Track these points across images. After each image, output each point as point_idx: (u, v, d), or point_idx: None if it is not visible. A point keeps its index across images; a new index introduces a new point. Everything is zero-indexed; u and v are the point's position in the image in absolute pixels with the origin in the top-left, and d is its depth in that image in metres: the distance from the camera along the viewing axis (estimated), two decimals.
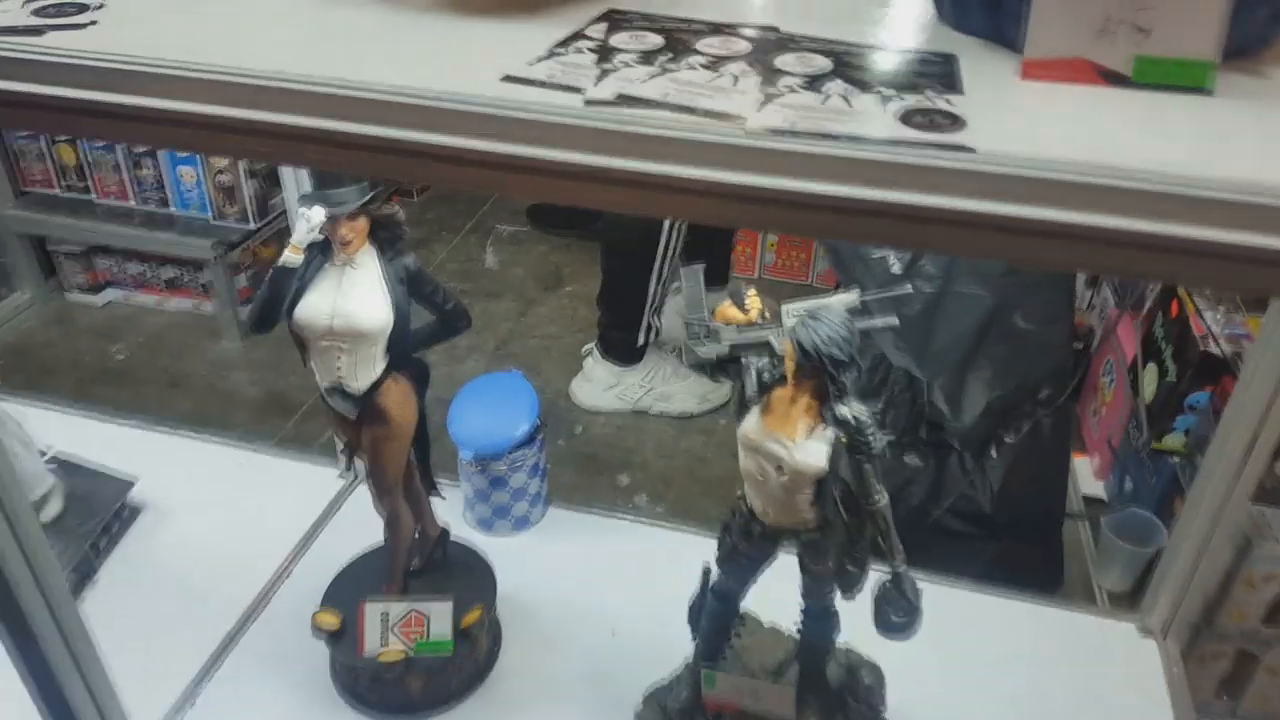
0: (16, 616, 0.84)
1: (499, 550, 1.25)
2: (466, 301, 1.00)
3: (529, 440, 1.33)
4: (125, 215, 2.34)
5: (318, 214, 0.85)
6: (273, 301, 0.89)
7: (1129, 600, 1.63)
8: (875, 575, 0.89)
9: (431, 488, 1.11)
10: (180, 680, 1.16)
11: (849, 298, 0.80)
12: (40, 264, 2.51)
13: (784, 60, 0.54)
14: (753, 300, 0.84)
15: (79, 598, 1.25)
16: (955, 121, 0.46)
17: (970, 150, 0.43)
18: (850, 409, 0.79)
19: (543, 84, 0.51)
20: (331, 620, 1.09)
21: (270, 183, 2.33)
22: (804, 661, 1.01)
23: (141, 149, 2.23)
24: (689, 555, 1.35)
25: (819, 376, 0.77)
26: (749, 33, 0.57)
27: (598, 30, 0.58)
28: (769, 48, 0.55)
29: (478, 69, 0.51)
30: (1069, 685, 1.18)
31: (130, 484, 1.39)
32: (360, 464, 1.40)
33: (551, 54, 0.54)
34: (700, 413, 2.08)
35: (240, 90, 0.51)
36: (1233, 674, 1.47)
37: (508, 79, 0.51)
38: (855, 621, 0.95)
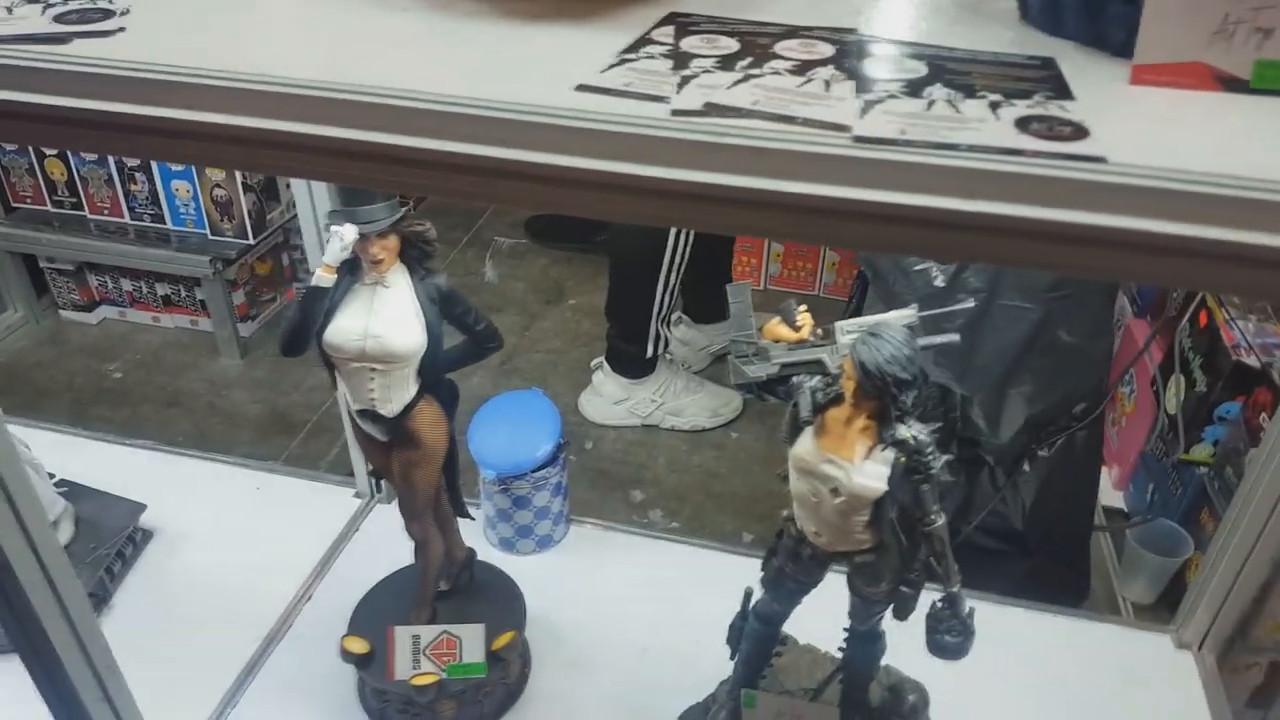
0: (44, 647, 0.80)
1: (523, 570, 1.22)
2: None
3: (552, 459, 1.29)
4: (118, 231, 2.30)
5: (350, 232, 0.81)
6: (304, 324, 0.86)
7: (1152, 612, 1.61)
8: (925, 594, 0.86)
9: (461, 510, 1.08)
10: (205, 707, 1.13)
11: (907, 314, 0.77)
12: (32, 282, 2.46)
13: (873, 64, 0.51)
14: (804, 317, 0.81)
15: None
16: (1077, 129, 0.43)
17: (1102, 160, 0.40)
18: (910, 430, 0.76)
19: (621, 93, 0.48)
20: (361, 645, 1.06)
21: (268, 197, 2.30)
22: (848, 683, 0.99)
23: (135, 163, 2.19)
24: (715, 572, 1.34)
25: (880, 397, 0.74)
26: (828, 36, 0.55)
27: (665, 34, 0.55)
28: (853, 51, 0.53)
29: (545, 78, 0.48)
30: (1106, 698, 1.16)
31: (142, 507, 1.35)
32: (388, 487, 1.39)
33: (622, 60, 0.51)
34: (712, 427, 2.06)
35: (302, 103, 0.48)
36: (1264, 684, 1.45)
37: (582, 88, 0.48)
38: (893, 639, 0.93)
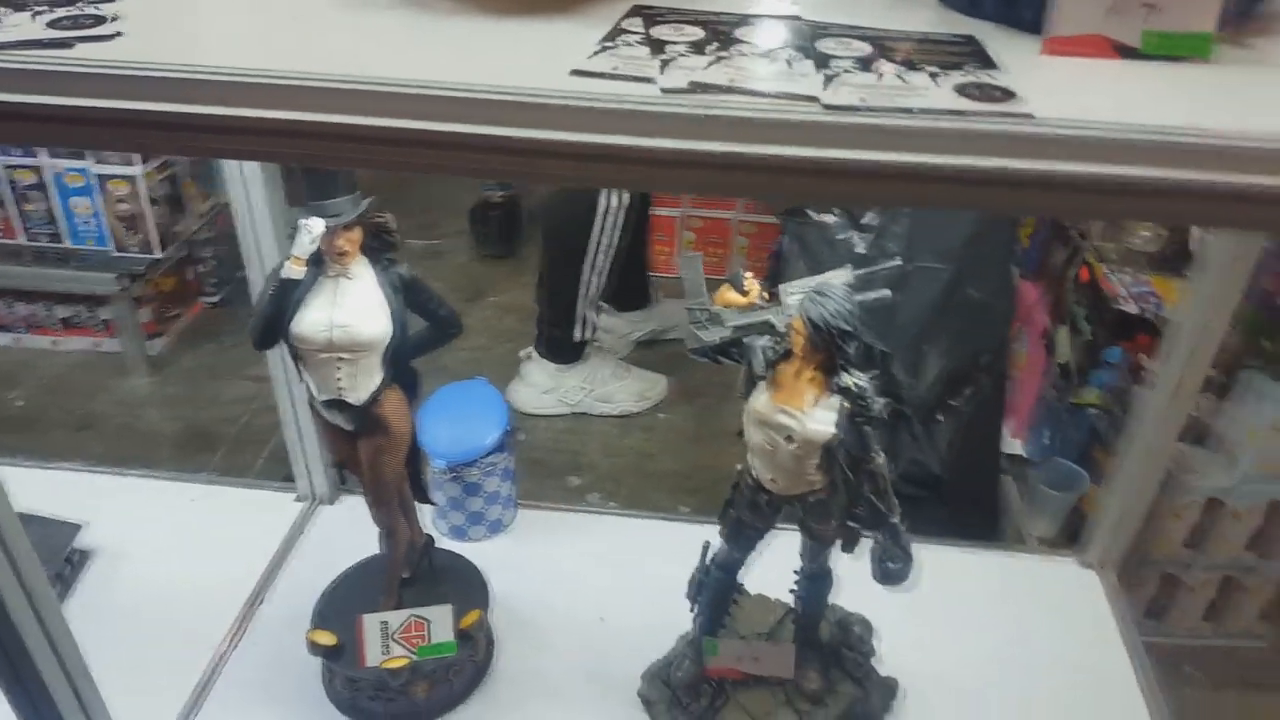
0: (26, 666, 0.80)
1: (477, 555, 1.26)
2: None
3: (500, 445, 1.34)
4: (13, 253, 2.22)
5: (318, 225, 0.84)
6: (276, 317, 0.88)
7: (1055, 544, 1.75)
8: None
9: (423, 495, 1.11)
10: (168, 714, 1.12)
11: (844, 274, 0.85)
12: None
13: (825, 45, 0.58)
14: (751, 283, 0.88)
15: None
16: (1005, 93, 0.51)
17: (1030, 116, 0.48)
18: (853, 378, 0.84)
19: (611, 76, 0.54)
20: (328, 638, 1.08)
21: (174, 209, 2.25)
22: (801, 621, 1.07)
23: (30, 182, 2.11)
24: (660, 541, 1.41)
25: (826, 349, 0.82)
26: (779, 22, 0.62)
27: (635, 24, 0.61)
28: (805, 35, 0.60)
29: (540, 66, 0.54)
30: (1025, 618, 1.27)
31: (77, 528, 1.33)
32: (331, 488, 1.40)
33: (603, 48, 0.57)
34: (640, 411, 2.12)
35: (310, 95, 0.51)
36: (1157, 597, 1.61)
37: (577, 73, 0.53)
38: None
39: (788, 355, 0.85)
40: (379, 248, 0.93)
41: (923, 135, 0.48)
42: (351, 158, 0.52)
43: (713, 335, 0.88)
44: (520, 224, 2.96)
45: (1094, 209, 0.50)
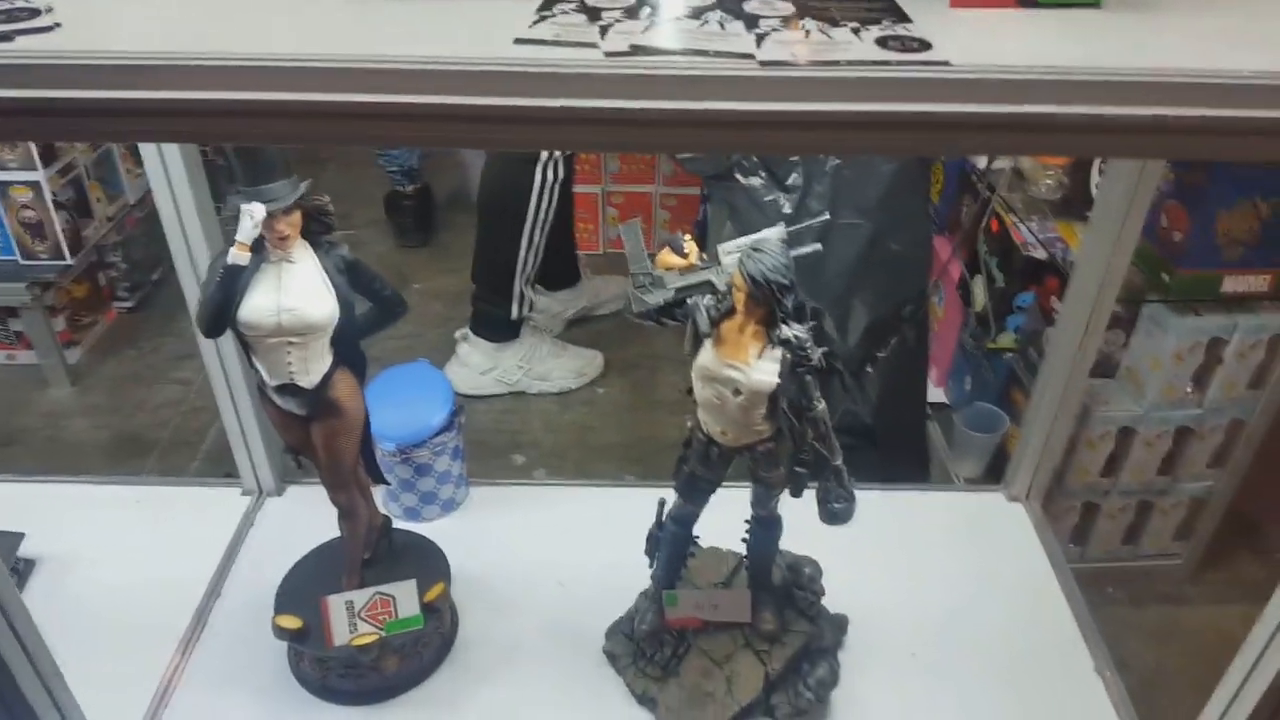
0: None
1: (433, 534, 1.27)
2: None
3: (448, 424, 1.35)
4: None
5: (260, 210, 0.85)
6: (225, 303, 0.88)
7: (980, 483, 1.85)
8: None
9: (378, 475, 1.12)
10: (136, 712, 1.12)
11: (777, 230, 0.89)
12: None
13: (751, 6, 0.62)
14: (690, 245, 0.92)
15: None
16: (922, 43, 0.56)
17: (947, 63, 0.53)
18: (792, 329, 0.88)
19: (554, 43, 0.57)
20: (293, 621, 1.09)
21: (80, 214, 2.18)
22: (754, 567, 1.12)
23: None
24: (611, 506, 1.44)
25: (767, 303, 0.86)
26: None
27: None
28: None
29: (484, 37, 0.56)
30: (957, 551, 1.34)
31: (20, 536, 1.31)
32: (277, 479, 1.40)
33: (541, 18, 0.60)
34: (579, 387, 2.15)
35: (262, 75, 0.53)
36: (1079, 524, 1.71)
37: (520, 41, 0.56)
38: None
39: (730, 312, 0.89)
40: (318, 230, 0.93)
41: (852, 85, 0.53)
42: (303, 135, 0.54)
43: (656, 298, 0.91)
44: (434, 212, 2.96)
45: (1009, 145, 0.55)
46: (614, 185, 2.83)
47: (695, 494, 1.03)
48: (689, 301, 0.92)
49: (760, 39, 0.57)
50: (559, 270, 2.24)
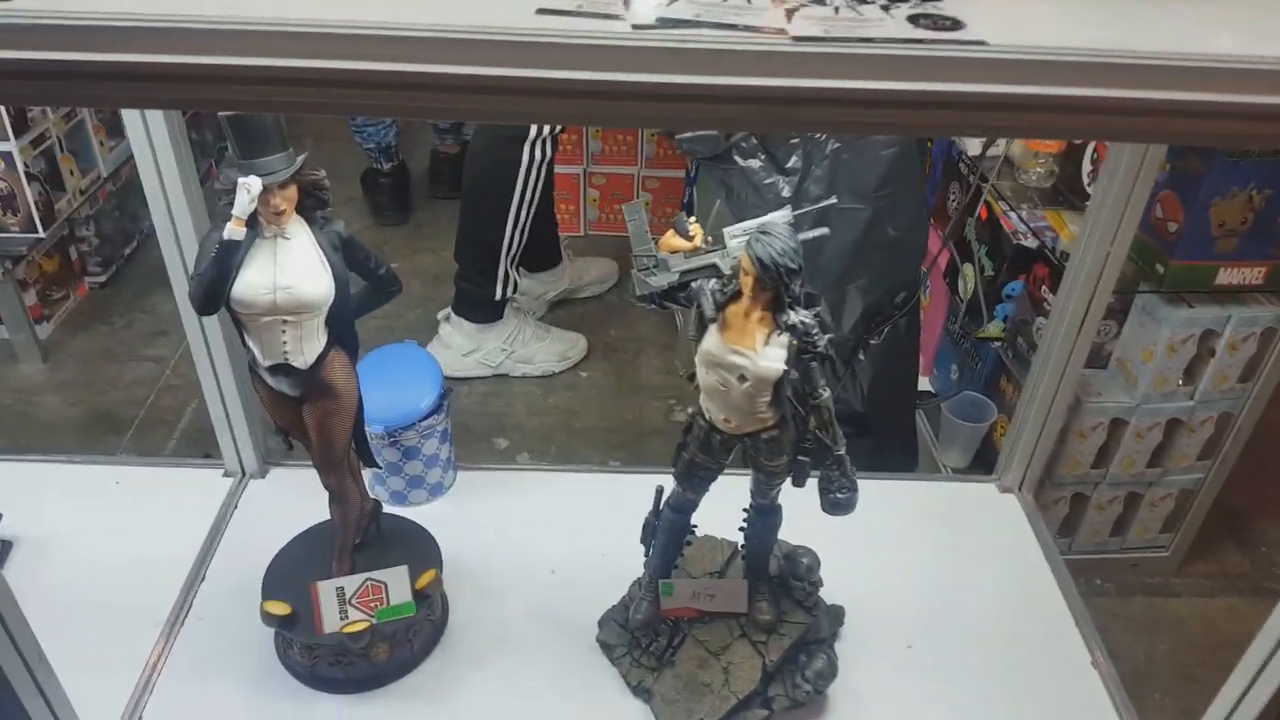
0: None
1: (421, 519, 1.25)
2: None
3: (437, 407, 1.33)
4: None
5: (257, 184, 0.82)
6: (220, 280, 0.85)
7: (967, 473, 1.85)
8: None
9: (369, 459, 1.10)
10: (117, 701, 1.09)
11: (784, 214, 0.87)
12: None
13: None
14: (695, 228, 0.90)
15: None
16: (955, 22, 0.54)
17: (984, 43, 0.51)
18: (799, 315, 0.87)
19: (577, 14, 0.54)
20: (282, 607, 1.07)
21: (53, 186, 2.13)
22: (751, 556, 1.10)
23: None
24: (602, 492, 1.43)
25: (775, 288, 0.84)
26: None
27: None
28: None
29: (503, 4, 0.54)
30: (951, 540, 1.34)
31: None
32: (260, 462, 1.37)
33: None
34: (562, 370, 2.13)
35: (282, 40, 0.50)
36: (1069, 515, 1.72)
37: (543, 11, 0.54)
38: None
39: (735, 296, 0.88)
40: (313, 205, 0.91)
41: (889, 62, 0.51)
42: (319, 103, 0.51)
43: (660, 280, 0.90)
44: (411, 191, 2.92)
45: (1050, 128, 0.54)
46: (595, 166, 2.80)
47: (695, 482, 1.01)
48: (693, 285, 0.90)
49: (790, 14, 0.55)
50: (540, 251, 2.21)
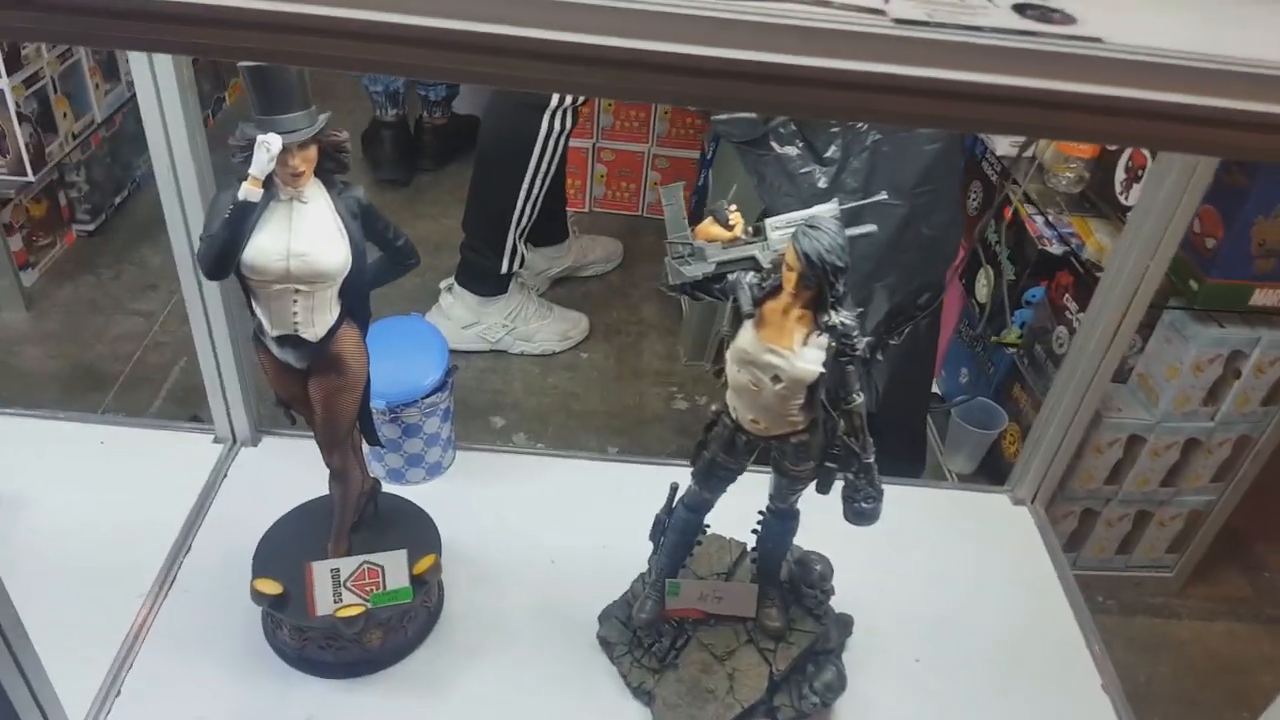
0: None
1: (417, 499, 1.21)
2: None
3: (441, 385, 1.28)
4: None
5: (276, 142, 0.76)
6: (232, 244, 0.80)
7: (973, 480, 1.82)
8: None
9: (372, 436, 1.05)
10: (96, 671, 1.04)
11: (831, 207, 0.83)
12: None
13: None
14: (735, 217, 0.85)
15: None
16: (1065, 16, 0.49)
17: (1099, 40, 0.47)
18: (839, 315, 0.82)
19: None
20: (273, 586, 1.02)
21: (45, 128, 2.05)
22: (763, 560, 1.07)
23: None
24: (604, 481, 1.39)
25: (819, 285, 0.80)
26: None
27: None
28: None
29: None
30: (961, 551, 1.31)
31: None
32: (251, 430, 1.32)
33: None
34: (562, 350, 2.08)
35: None
36: (1077, 529, 1.69)
37: None
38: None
39: (775, 292, 0.83)
40: (332, 169, 0.85)
41: (999, 54, 0.46)
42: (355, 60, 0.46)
43: (695, 270, 0.85)
44: (413, 147, 2.84)
45: (1163, 138, 0.49)
46: (605, 141, 2.74)
47: (713, 482, 0.97)
48: (729, 277, 0.85)
49: None
50: (547, 226, 2.16)
